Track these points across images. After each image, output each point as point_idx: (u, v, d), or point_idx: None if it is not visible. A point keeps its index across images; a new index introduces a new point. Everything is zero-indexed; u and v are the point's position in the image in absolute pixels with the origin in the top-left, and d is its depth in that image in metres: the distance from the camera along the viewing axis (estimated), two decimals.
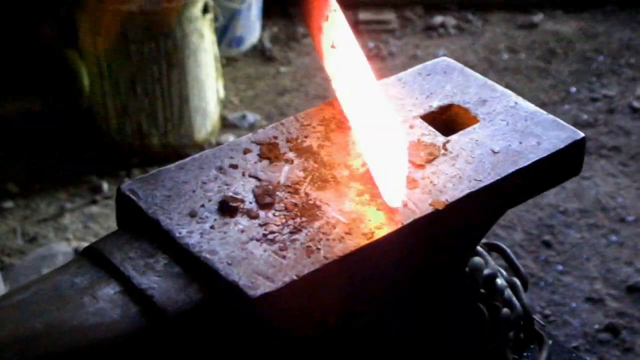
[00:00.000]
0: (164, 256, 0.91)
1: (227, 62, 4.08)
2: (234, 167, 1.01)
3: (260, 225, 0.94)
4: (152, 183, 0.98)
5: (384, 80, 1.15)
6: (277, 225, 0.94)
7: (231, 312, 0.87)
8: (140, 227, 0.95)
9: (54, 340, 0.83)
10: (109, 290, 0.87)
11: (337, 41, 1.01)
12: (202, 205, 0.96)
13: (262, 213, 0.95)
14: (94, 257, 0.91)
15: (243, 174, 1.00)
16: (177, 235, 0.92)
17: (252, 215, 0.95)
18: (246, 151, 1.03)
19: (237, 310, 0.87)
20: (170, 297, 0.87)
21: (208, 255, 0.90)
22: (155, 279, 0.89)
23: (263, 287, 0.87)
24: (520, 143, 1.05)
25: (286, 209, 0.96)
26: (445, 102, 1.12)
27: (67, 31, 3.53)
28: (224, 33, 4.03)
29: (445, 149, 1.05)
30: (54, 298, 0.86)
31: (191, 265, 0.90)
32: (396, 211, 0.96)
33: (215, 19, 3.60)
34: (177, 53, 3.35)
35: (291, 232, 0.93)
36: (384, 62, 4.13)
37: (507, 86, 1.17)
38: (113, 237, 0.94)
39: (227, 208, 0.95)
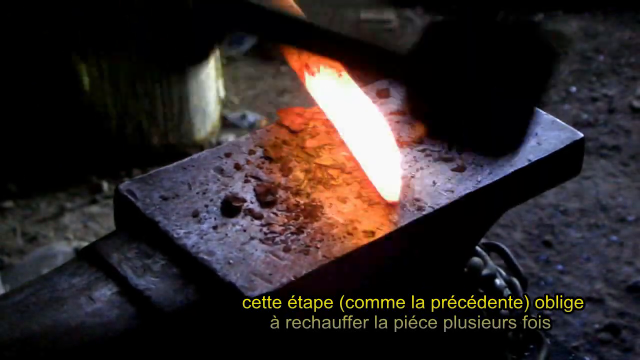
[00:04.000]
0: (162, 257, 0.91)
1: (227, 62, 4.08)
2: (234, 167, 1.01)
3: (263, 225, 0.94)
4: (151, 183, 0.98)
5: (384, 80, 1.15)
6: (280, 226, 0.94)
7: (229, 313, 0.87)
8: (138, 227, 0.95)
9: (52, 341, 0.82)
10: (106, 291, 0.87)
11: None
12: (206, 206, 0.96)
13: (265, 213, 0.95)
14: (91, 258, 0.91)
15: (244, 175, 1.00)
16: (175, 236, 0.92)
17: (255, 215, 0.95)
18: (246, 152, 1.03)
19: (234, 311, 0.86)
20: (167, 298, 0.87)
21: (205, 256, 0.90)
22: (153, 280, 0.88)
23: (260, 288, 0.87)
24: None
25: (288, 209, 0.96)
26: None
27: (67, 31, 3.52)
28: None
29: (445, 149, 1.04)
30: (51, 299, 0.86)
31: (189, 266, 0.90)
32: (395, 205, 0.96)
33: None
34: None
35: (293, 233, 0.93)
36: None
37: None
38: (111, 238, 0.94)
39: (230, 208, 0.95)
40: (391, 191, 0.96)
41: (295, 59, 1.02)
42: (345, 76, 1.02)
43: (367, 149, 0.99)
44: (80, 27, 3.25)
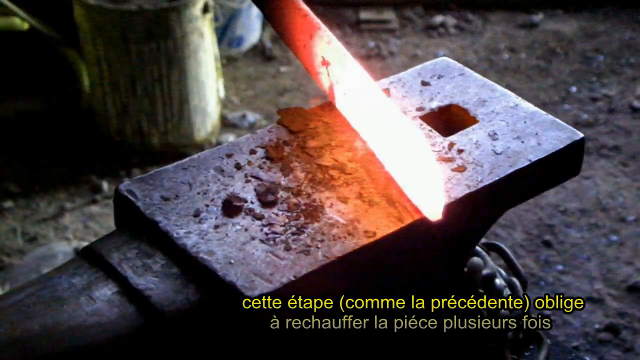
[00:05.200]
0: (162, 257, 0.91)
1: (227, 62, 4.08)
2: (235, 167, 1.01)
3: (263, 225, 0.94)
4: (151, 183, 0.98)
5: (384, 80, 1.15)
6: (281, 226, 0.94)
7: (229, 313, 0.87)
8: (138, 227, 0.95)
9: (52, 341, 0.82)
10: (107, 291, 0.87)
11: (328, 57, 1.01)
12: (206, 206, 0.96)
13: (265, 213, 0.95)
14: (91, 258, 0.91)
15: (244, 175, 1.00)
16: (175, 236, 0.92)
17: (256, 215, 0.95)
18: (246, 152, 1.03)
19: (234, 311, 0.87)
20: (167, 298, 0.87)
21: (206, 256, 0.90)
22: (153, 280, 0.88)
23: (261, 287, 0.87)
24: (521, 143, 1.05)
25: (288, 209, 0.96)
26: (445, 102, 1.11)
27: (67, 31, 3.53)
28: (224, 33, 4.03)
29: (445, 150, 1.04)
30: (51, 299, 0.86)
31: (189, 266, 0.90)
32: (438, 221, 0.94)
33: (215, 19, 3.60)
34: (177, 53, 3.35)
35: (293, 233, 0.93)
36: (384, 61, 4.13)
37: (507, 86, 1.17)
38: (111, 238, 0.94)
39: (231, 208, 0.95)
40: (434, 210, 0.94)
41: (325, 77, 1.01)
42: (377, 91, 1.00)
43: (406, 168, 0.96)
44: None
